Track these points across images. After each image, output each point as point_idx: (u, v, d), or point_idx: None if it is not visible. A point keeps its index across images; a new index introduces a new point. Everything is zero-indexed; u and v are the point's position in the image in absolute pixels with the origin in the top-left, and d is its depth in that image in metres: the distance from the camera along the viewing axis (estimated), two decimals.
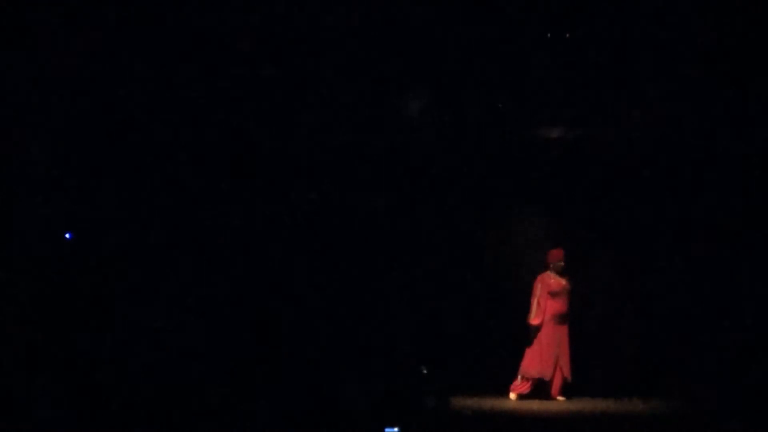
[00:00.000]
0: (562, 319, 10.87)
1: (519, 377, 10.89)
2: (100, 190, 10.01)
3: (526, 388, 10.86)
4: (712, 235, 10.73)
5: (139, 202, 10.11)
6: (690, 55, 9.60)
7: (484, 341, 11.30)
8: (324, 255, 10.73)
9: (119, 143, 10.03)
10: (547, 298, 10.86)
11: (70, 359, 9.46)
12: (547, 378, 10.78)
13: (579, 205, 11.49)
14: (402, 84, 10.25)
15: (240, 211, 10.45)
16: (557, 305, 10.86)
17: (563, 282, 10.92)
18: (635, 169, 11.20)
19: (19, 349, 9.30)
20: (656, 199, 11.17)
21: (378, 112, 10.51)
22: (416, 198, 11.16)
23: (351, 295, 10.65)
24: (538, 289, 10.91)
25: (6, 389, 8.97)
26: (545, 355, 10.77)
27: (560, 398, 10.83)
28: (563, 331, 10.88)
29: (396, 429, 8.10)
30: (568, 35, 9.61)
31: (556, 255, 10.95)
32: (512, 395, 10.85)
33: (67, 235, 10.00)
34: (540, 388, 10.85)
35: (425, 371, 10.34)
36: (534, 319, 10.85)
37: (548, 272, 10.96)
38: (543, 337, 10.83)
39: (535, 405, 10.47)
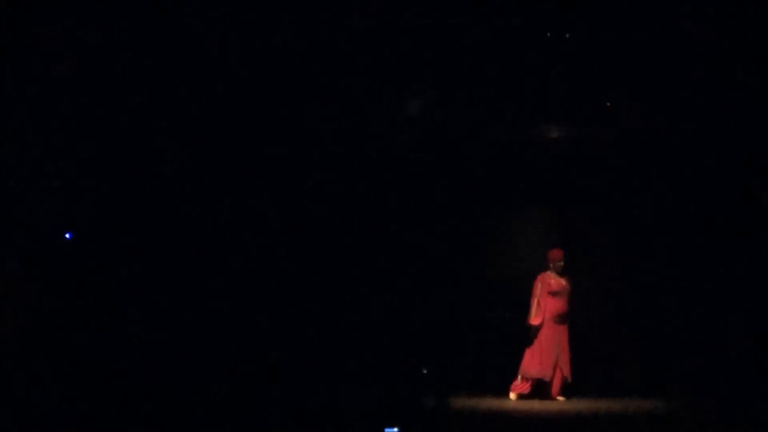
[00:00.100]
0: (562, 319, 10.86)
1: (519, 377, 10.88)
2: (100, 190, 10.01)
3: (526, 388, 10.85)
4: (712, 235, 10.72)
5: (139, 203, 10.12)
6: (690, 55, 9.60)
7: (484, 341, 11.30)
8: (324, 255, 10.73)
9: (119, 143, 10.04)
10: (547, 298, 10.84)
11: (70, 359, 9.47)
12: (546, 378, 10.77)
13: (579, 205, 11.48)
14: (402, 84, 10.26)
15: (240, 211, 10.45)
16: (557, 305, 10.84)
17: (563, 282, 10.91)
18: (635, 169, 11.20)
19: (19, 349, 9.31)
20: (656, 198, 11.17)
21: (378, 111, 10.51)
22: (416, 198, 11.15)
23: (351, 296, 10.65)
24: (538, 289, 10.89)
25: (6, 389, 8.97)
26: (545, 356, 10.76)
27: (560, 398, 10.82)
28: (563, 331, 10.87)
29: (396, 429, 8.10)
30: (568, 35, 9.62)
31: (556, 255, 10.94)
32: (512, 395, 10.84)
33: (67, 235, 10.01)
34: (540, 388, 10.85)
35: (425, 371, 10.34)
36: (534, 319, 10.84)
37: (548, 272, 10.95)
38: (543, 337, 10.81)
39: (535, 405, 10.46)
